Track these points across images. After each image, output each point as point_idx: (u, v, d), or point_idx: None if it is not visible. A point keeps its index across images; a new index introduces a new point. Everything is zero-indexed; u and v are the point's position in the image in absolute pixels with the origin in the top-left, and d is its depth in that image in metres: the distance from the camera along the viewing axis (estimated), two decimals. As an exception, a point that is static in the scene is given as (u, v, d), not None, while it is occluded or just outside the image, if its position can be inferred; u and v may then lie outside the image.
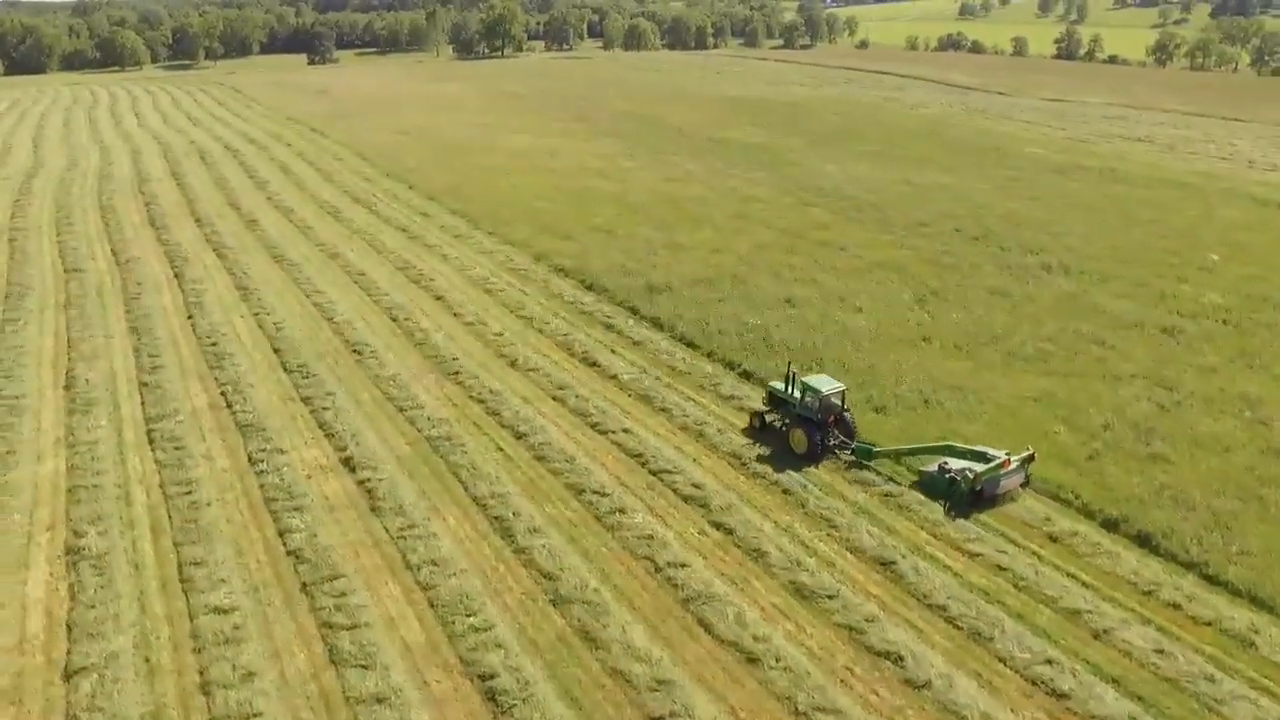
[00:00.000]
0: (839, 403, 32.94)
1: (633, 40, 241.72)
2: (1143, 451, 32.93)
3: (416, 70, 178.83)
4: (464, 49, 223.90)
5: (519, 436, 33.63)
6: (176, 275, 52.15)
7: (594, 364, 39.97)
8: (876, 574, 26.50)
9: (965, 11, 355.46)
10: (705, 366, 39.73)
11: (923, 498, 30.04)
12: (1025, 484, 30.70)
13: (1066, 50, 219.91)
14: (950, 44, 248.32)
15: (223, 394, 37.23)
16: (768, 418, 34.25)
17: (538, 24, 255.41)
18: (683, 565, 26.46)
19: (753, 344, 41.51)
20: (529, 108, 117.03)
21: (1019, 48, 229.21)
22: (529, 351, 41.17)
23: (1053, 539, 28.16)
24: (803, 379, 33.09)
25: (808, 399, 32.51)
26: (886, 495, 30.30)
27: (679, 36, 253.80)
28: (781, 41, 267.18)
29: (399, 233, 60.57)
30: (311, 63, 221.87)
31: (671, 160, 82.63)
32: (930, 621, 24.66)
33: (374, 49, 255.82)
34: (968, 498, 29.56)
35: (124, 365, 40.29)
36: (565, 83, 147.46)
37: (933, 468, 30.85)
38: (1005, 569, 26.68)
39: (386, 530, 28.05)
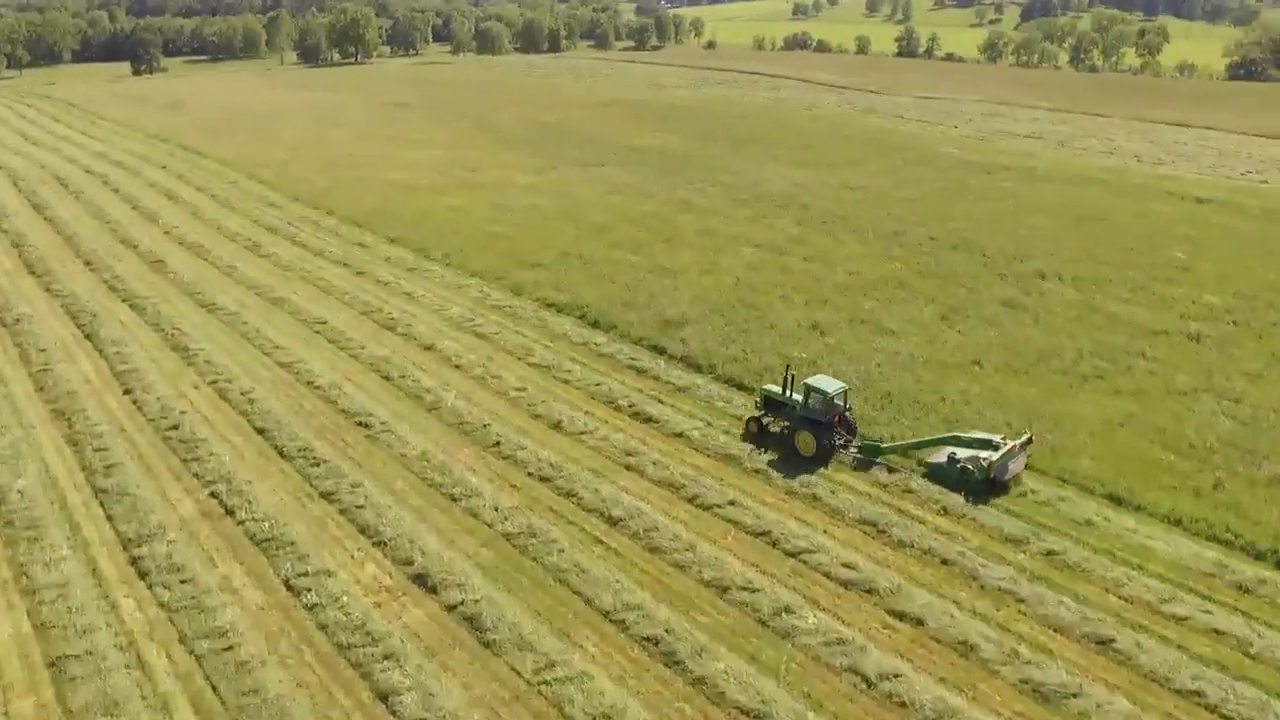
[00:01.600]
0: (842, 403, 32.24)
1: (486, 44, 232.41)
2: (1260, 475, 30.91)
3: (270, 79, 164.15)
4: (309, 56, 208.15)
5: (613, 522, 27.99)
6: (88, 336, 42.70)
7: (649, 419, 34.56)
8: (1101, 656, 22.85)
9: (799, 11, 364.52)
10: (773, 413, 35.08)
11: (1090, 555, 26.67)
12: (1025, 466, 30.88)
13: (907, 48, 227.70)
14: (796, 43, 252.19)
15: (214, 496, 29.53)
16: (765, 422, 33.05)
17: (382, 29, 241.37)
18: (895, 675, 21.92)
19: (808, 381, 37.27)
20: (420, 117, 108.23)
21: (862, 46, 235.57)
22: (566, 409, 35.26)
23: (1243, 590, 25.41)
24: (806, 381, 32.23)
25: (812, 401, 31.66)
26: (1050, 554, 26.72)
27: (531, 39, 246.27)
28: (632, 43, 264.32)
29: (341, 268, 52.56)
30: (137, 72, 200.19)
31: (601, 172, 77.24)
32: (1195, 714, 21.19)
33: (204, 56, 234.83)
34: (982, 485, 29.43)
35: (64, 467, 31.66)
36: (442, 89, 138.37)
37: (941, 458, 30.43)
38: (1223, 633, 23.65)
39: (519, 674, 21.98)
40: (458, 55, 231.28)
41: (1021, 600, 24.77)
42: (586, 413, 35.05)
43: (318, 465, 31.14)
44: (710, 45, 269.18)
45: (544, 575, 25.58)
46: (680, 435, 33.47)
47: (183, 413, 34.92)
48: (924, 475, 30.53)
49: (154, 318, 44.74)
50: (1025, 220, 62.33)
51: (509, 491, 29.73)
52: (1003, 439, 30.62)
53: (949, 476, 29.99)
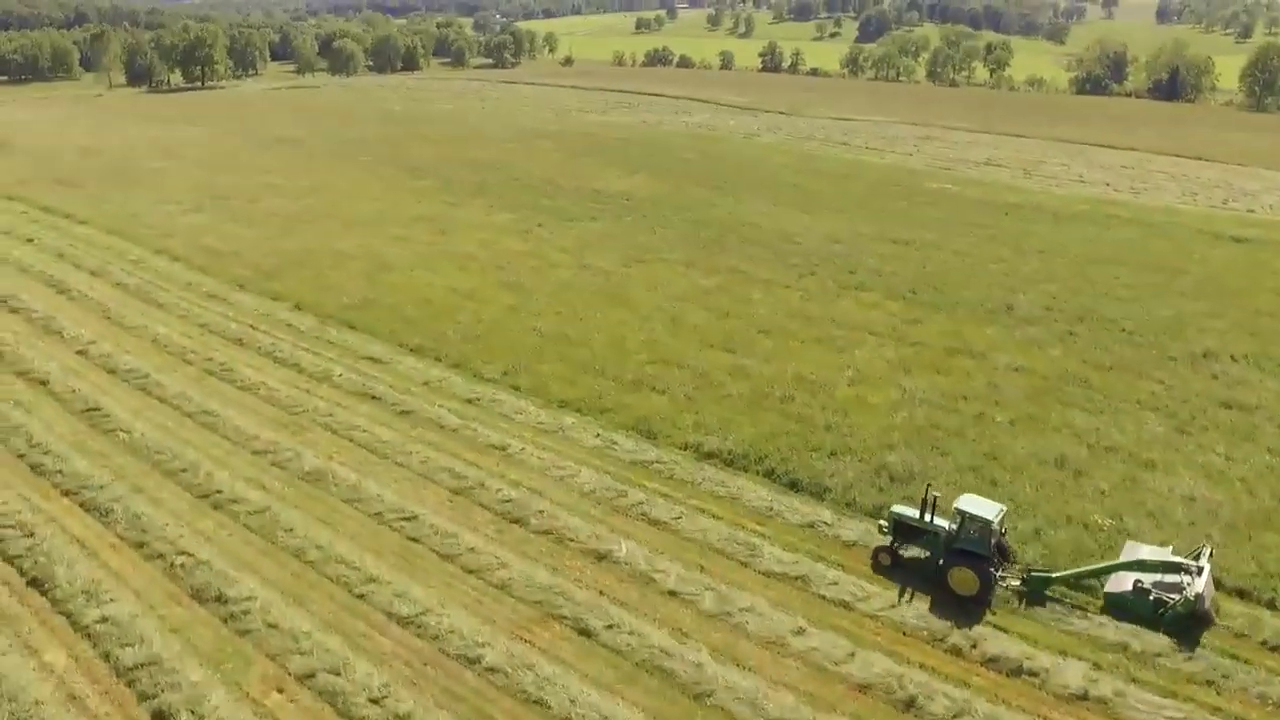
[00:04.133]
0: (1000, 527, 26.16)
1: (339, 63, 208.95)
2: None
3: (107, 108, 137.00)
4: (139, 78, 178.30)
5: None
6: (35, 585, 25.82)
7: (1014, 670, 22.70)
8: None
9: (641, 25, 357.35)
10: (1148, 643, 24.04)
11: None
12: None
13: (771, 64, 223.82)
14: (658, 59, 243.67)
15: None
16: (898, 550, 26.93)
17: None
18: None
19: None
20: (327, 159, 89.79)
21: (727, 62, 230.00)
22: (924, 680, 22.66)
23: None
24: (959, 506, 25.89)
25: (969, 529, 25.48)
26: None
27: (386, 58, 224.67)
28: (491, 60, 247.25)
29: (368, 403, 37.06)
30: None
31: (598, 229, 63.83)
32: None
33: (2, 77, 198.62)
34: (1184, 619, 24.02)
35: None
36: (330, 120, 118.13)
37: (1125, 588, 25.11)
38: None
39: None
40: (303, 75, 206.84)
41: None
42: (963, 684, 22.54)
43: None
44: (567, 61, 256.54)
45: None
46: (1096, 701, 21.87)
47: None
48: (1101, 609, 25.03)
49: (132, 531, 28.21)
50: (1104, 275, 54.32)
51: None
52: (1184, 556, 25.58)
53: (1138, 609, 24.57)
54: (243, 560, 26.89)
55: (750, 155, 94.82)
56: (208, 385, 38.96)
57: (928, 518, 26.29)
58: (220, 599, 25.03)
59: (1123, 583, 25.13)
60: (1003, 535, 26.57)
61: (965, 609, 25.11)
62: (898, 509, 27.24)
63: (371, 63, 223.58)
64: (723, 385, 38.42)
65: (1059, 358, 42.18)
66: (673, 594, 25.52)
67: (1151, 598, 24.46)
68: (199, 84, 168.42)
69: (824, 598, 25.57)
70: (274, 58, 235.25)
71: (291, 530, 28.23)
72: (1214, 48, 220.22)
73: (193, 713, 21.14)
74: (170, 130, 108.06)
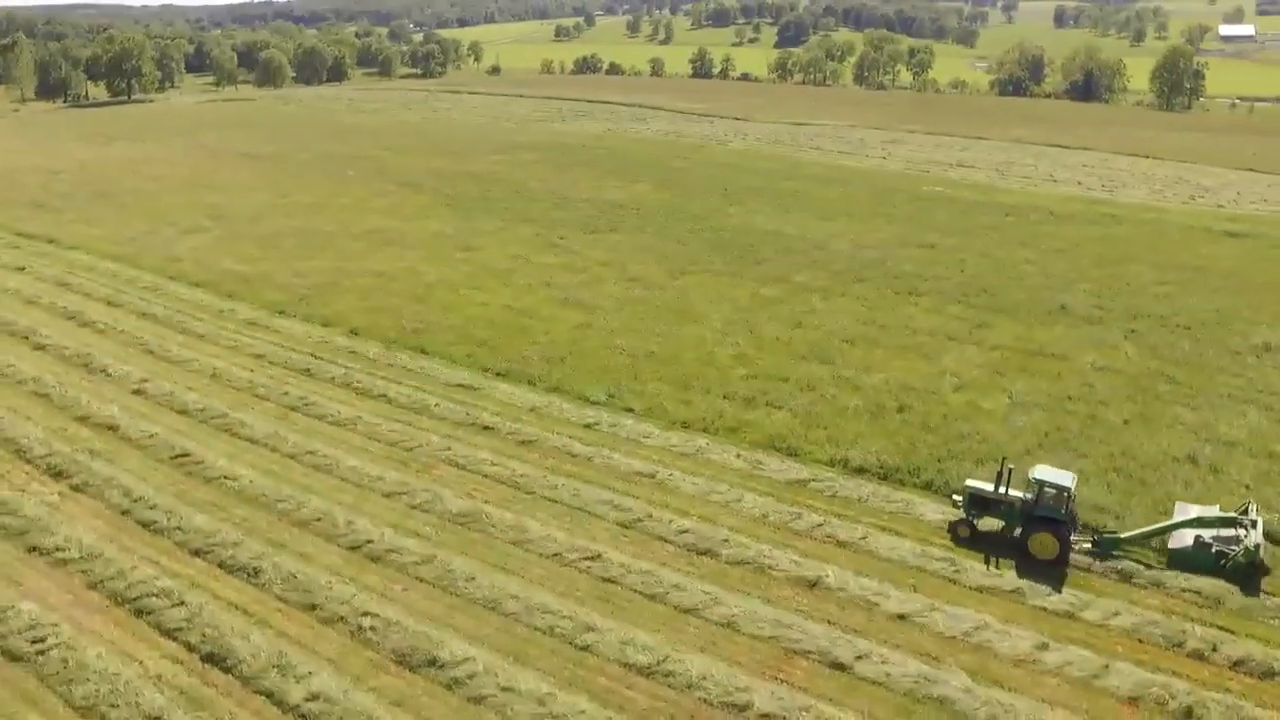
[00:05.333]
0: (1073, 494, 27.71)
1: (267, 75, 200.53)
2: None
3: (34, 124, 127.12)
4: (54, 92, 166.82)
5: None
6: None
7: (1275, 674, 22.76)
8: None
9: (561, 33, 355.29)
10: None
11: None
12: None
13: (702, 70, 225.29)
14: (587, 66, 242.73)
15: None
16: (975, 523, 28.20)
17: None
18: None
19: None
20: (319, 175, 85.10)
21: (657, 69, 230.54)
22: None
23: None
24: (1035, 475, 27.66)
25: (1048, 495, 27.18)
26: None
27: (314, 69, 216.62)
28: (419, 70, 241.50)
29: (480, 434, 34.88)
30: None
31: (622, 241, 62.40)
32: None
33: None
34: (1245, 569, 26.02)
35: None
36: (288, 132, 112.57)
37: (1187, 543, 26.91)
38: None
39: None
40: (222, 88, 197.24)
41: None
42: (1225, 690, 22.48)
43: None
44: (495, 70, 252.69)
45: None
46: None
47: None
48: (1166, 564, 26.81)
49: (294, 593, 25.46)
50: (1131, 274, 55.86)
51: None
52: (1236, 512, 27.67)
53: (1200, 563, 26.47)
54: (435, 617, 24.75)
55: (735, 162, 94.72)
56: (296, 423, 36.14)
57: (1003, 490, 27.78)
58: (434, 663, 22.91)
59: (1184, 539, 27.01)
60: (1073, 502, 27.83)
61: (1189, 612, 25.12)
62: (972, 483, 28.73)
63: (295, 74, 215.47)
64: (836, 398, 37.80)
65: (1135, 356, 43.09)
66: (901, 617, 24.69)
67: (1214, 550, 26.41)
68: (125, 97, 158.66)
69: (1047, 610, 25.18)
70: (188, 69, 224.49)
71: (473, 580, 26.17)
72: (1113, 51, 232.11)
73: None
74: (123, 147, 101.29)
